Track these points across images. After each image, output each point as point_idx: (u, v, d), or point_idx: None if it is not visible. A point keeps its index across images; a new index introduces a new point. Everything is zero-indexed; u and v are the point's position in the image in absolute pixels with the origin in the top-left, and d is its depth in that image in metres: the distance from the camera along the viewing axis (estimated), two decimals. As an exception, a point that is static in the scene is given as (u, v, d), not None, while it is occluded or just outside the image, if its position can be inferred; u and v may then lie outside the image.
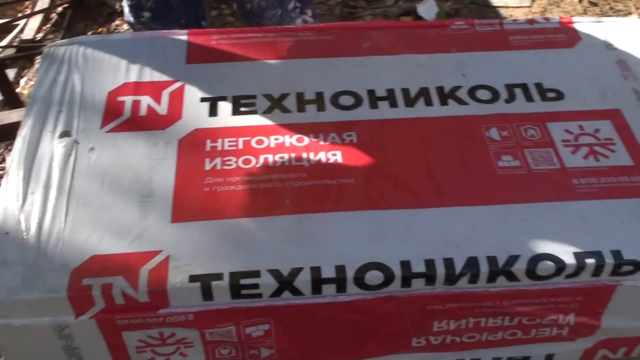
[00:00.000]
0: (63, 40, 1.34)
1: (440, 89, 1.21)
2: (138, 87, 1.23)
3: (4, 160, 2.34)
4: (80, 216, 1.01)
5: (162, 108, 1.18)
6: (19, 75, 2.64)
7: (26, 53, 2.45)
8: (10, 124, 1.47)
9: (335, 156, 1.10)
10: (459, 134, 1.13)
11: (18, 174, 1.07)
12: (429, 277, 0.94)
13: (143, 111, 1.18)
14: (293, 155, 1.10)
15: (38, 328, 0.95)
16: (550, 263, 0.95)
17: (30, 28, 2.62)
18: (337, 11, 2.70)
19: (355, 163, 1.08)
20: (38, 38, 2.64)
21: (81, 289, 0.92)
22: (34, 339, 0.98)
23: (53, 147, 1.11)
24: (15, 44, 2.30)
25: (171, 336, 0.99)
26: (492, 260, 0.95)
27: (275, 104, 1.19)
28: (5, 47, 2.37)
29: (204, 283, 0.93)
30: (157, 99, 1.20)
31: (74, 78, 1.24)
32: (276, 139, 1.12)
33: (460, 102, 1.19)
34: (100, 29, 2.87)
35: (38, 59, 2.68)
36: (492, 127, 1.14)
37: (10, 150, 2.32)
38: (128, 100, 1.20)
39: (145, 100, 1.20)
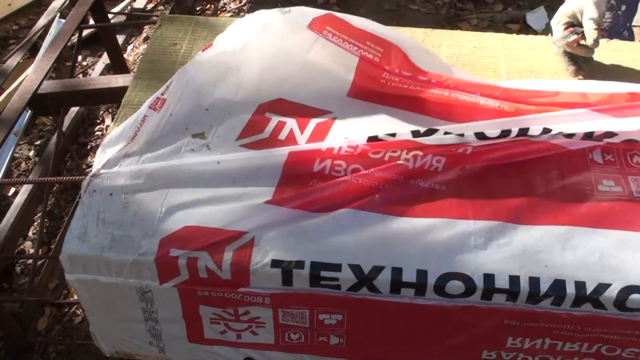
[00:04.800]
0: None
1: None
2: None
3: (103, 121, 2.44)
4: (178, 186, 1.03)
5: None
6: (126, 42, 2.75)
7: (136, 22, 2.54)
8: (116, 87, 1.52)
9: (439, 163, 1.06)
10: (561, 153, 1.08)
11: (120, 137, 1.10)
12: (512, 293, 0.92)
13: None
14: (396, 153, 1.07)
15: (123, 287, 0.99)
16: (641, 297, 0.91)
17: (142, -2, 2.72)
18: (443, 12, 2.66)
19: (453, 171, 1.05)
20: (149, 8, 2.73)
21: (169, 258, 0.95)
22: (117, 297, 1.02)
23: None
24: (126, 12, 2.38)
25: (245, 314, 1.01)
26: (580, 285, 0.92)
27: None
28: (117, 14, 2.46)
29: (285, 269, 0.94)
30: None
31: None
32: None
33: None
34: (208, 5, 2.95)
35: (146, 28, 2.78)
36: (595, 149, 1.09)
37: (111, 112, 2.43)
38: None
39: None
